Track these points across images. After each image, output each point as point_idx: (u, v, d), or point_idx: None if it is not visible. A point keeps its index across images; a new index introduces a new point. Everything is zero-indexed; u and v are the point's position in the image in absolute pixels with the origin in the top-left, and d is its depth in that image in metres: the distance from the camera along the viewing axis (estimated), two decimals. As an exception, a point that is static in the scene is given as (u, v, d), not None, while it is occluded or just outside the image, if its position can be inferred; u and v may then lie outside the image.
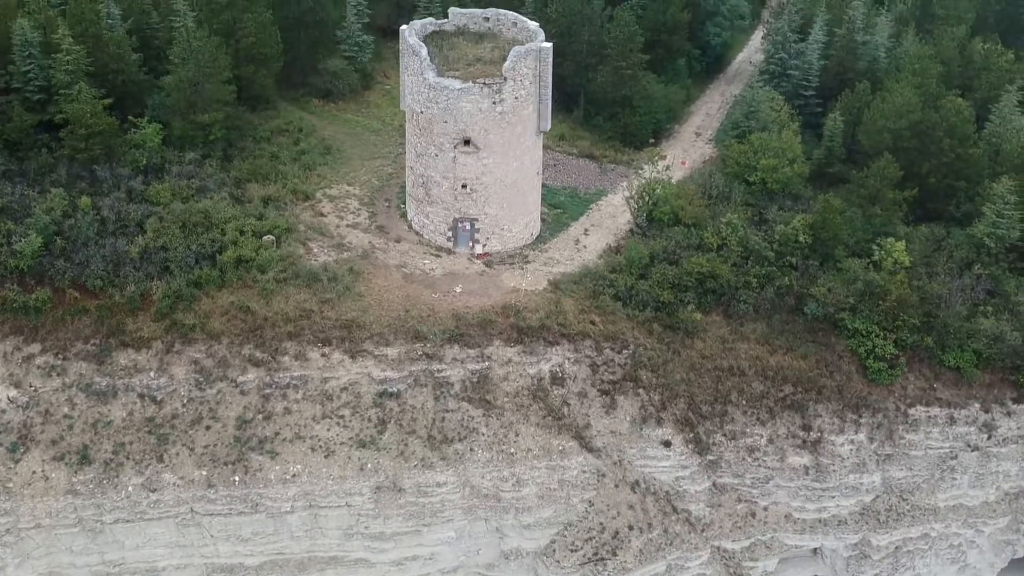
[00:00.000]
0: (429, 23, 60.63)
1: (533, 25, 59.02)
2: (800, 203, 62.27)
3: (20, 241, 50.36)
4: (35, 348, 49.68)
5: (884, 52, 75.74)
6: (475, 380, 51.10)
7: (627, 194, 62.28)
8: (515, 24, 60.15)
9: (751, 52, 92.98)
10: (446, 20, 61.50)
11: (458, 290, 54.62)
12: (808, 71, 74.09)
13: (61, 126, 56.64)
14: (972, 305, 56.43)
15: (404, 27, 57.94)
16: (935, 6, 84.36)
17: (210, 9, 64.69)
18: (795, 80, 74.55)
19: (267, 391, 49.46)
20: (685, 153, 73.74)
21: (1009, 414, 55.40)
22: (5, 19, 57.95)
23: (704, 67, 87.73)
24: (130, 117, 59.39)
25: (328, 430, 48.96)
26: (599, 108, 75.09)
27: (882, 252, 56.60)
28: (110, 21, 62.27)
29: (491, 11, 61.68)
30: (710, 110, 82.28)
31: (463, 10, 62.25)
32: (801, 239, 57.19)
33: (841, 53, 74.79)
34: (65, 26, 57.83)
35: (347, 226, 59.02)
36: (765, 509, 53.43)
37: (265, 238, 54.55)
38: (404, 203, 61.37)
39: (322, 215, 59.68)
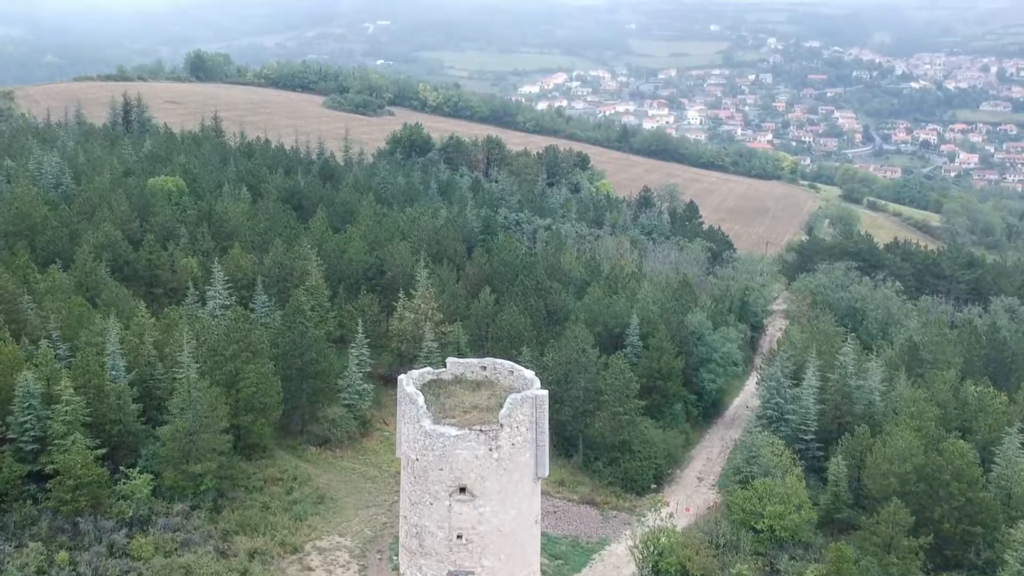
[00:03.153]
0: (427, 372, 61.55)
1: (529, 373, 59.86)
2: (811, 552, 59.92)
3: (-16, 603, 47.57)
4: None
5: (879, 396, 76.65)
6: None
7: (631, 543, 59.75)
8: (511, 372, 61.05)
9: (747, 396, 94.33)
10: (444, 369, 62.58)
11: (451, 654, 50.41)
12: (805, 415, 74.48)
13: (51, 476, 55.58)
14: (1012, 665, 51.96)
15: (402, 376, 58.79)
16: (922, 351, 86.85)
17: (214, 361, 66.22)
18: (793, 424, 74.72)
19: None
20: (688, 499, 72.02)
21: None
22: (11, 371, 58.96)
23: (701, 412, 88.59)
24: (121, 467, 58.52)
25: None
26: (598, 453, 74.46)
27: (906, 606, 53.23)
28: (114, 373, 63.43)
29: (487, 360, 62.92)
30: (710, 454, 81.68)
31: (460, 360, 63.58)
32: (817, 592, 54.07)
33: (836, 397, 75.63)
34: (68, 378, 58.72)
35: (335, 581, 55.99)
36: None
37: (247, 596, 51.49)
38: (396, 555, 58.59)
39: (309, 569, 56.72)
